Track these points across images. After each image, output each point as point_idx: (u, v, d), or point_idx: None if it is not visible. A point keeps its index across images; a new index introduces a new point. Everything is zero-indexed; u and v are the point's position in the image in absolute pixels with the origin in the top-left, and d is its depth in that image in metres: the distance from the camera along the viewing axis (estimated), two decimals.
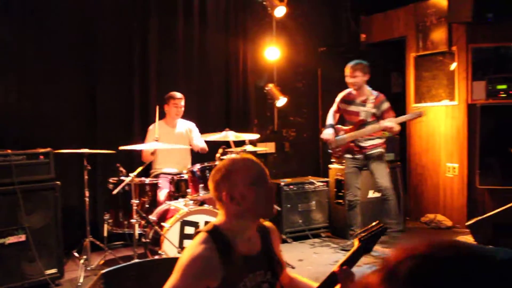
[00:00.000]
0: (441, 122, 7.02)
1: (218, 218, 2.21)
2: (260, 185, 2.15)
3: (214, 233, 2.11)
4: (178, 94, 5.96)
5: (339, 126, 6.06)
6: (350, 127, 5.92)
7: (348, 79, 5.82)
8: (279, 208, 6.30)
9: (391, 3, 7.56)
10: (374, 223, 2.25)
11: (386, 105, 5.80)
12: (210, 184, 2.22)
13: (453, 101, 6.79)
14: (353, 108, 5.91)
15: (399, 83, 7.98)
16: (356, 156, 5.94)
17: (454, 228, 6.80)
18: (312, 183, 6.68)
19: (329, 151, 6.19)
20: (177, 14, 6.63)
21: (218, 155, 5.08)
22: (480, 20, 6.19)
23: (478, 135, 6.40)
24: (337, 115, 6.12)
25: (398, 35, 7.54)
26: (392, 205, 5.82)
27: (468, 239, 5.15)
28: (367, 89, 5.85)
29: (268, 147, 7.28)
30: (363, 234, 2.19)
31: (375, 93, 5.86)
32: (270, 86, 6.84)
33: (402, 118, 5.78)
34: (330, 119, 6.08)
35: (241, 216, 2.14)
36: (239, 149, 5.32)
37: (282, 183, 6.49)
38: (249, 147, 5.43)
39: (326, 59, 7.66)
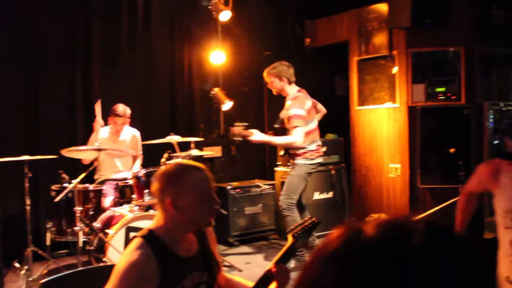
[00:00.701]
0: (383, 124, 7.19)
1: (155, 221, 2.19)
2: (207, 199, 2.14)
3: (150, 237, 2.10)
4: (120, 111, 5.67)
5: None
6: None
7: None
8: (225, 212, 6.29)
9: (335, 8, 7.69)
10: (306, 218, 2.31)
11: (291, 111, 5.25)
12: (156, 185, 2.15)
13: (394, 104, 6.97)
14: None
15: (343, 86, 8.13)
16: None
17: None
18: (258, 186, 6.71)
19: None
20: (121, 18, 6.53)
21: (163, 160, 5.05)
22: (418, 25, 6.38)
23: (419, 136, 6.59)
24: None
25: (342, 39, 7.68)
26: (287, 223, 5.29)
27: None
28: (292, 90, 5.50)
29: (214, 151, 7.26)
30: (296, 230, 2.24)
31: (295, 94, 5.42)
32: (216, 90, 6.83)
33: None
34: None
35: (180, 223, 2.12)
36: (184, 153, 5.29)
37: (229, 187, 6.49)
38: (195, 151, 5.41)
39: (271, 63, 7.67)
